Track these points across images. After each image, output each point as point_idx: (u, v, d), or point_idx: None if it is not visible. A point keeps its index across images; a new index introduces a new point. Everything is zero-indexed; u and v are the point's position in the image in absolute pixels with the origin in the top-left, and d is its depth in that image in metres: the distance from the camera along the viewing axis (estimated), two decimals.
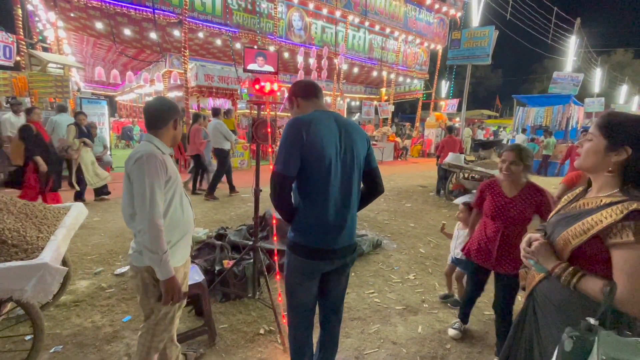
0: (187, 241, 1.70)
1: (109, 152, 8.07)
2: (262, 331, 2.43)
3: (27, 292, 1.62)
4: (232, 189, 6.69)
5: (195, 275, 2.23)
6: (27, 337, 2.19)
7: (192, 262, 2.69)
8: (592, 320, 0.98)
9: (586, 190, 1.23)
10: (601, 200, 1.10)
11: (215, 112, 6.64)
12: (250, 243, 2.75)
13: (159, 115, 1.60)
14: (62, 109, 6.24)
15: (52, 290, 1.70)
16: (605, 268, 1.05)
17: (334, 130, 1.50)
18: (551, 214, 1.30)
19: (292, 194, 1.56)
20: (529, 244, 1.23)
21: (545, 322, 1.19)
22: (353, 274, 3.45)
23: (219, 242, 3.24)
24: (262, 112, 2.53)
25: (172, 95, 12.75)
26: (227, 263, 2.91)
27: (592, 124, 1.16)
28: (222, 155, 6.34)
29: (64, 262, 2.44)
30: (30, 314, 1.85)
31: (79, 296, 2.77)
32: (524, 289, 1.38)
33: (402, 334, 2.51)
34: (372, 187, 1.68)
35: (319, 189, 1.47)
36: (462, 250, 2.39)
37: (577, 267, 1.11)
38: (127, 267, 3.26)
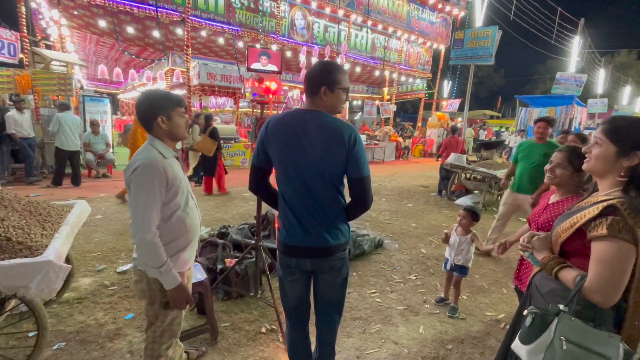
0: (193, 246, 1.64)
1: (111, 150, 8.11)
2: (263, 330, 2.43)
3: (31, 289, 1.62)
4: None
5: (198, 274, 2.24)
6: (31, 334, 2.21)
7: (194, 260, 2.70)
8: (561, 306, 1.06)
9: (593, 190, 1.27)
10: (597, 199, 1.14)
11: None
12: (252, 242, 2.76)
13: (141, 117, 1.49)
14: (65, 107, 6.30)
15: (56, 287, 1.70)
16: (588, 262, 1.10)
17: (288, 130, 1.43)
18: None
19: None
20: (529, 240, 1.30)
21: None
22: (354, 273, 3.45)
23: (221, 241, 3.25)
24: (265, 111, 2.53)
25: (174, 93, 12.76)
26: (229, 262, 2.92)
27: (599, 129, 1.15)
28: None
29: (67, 260, 2.46)
30: (34, 310, 1.86)
31: (82, 293, 2.79)
32: None
33: (403, 334, 2.51)
34: (353, 200, 1.50)
35: (279, 183, 1.54)
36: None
37: (561, 259, 1.18)
38: (130, 265, 3.28)
